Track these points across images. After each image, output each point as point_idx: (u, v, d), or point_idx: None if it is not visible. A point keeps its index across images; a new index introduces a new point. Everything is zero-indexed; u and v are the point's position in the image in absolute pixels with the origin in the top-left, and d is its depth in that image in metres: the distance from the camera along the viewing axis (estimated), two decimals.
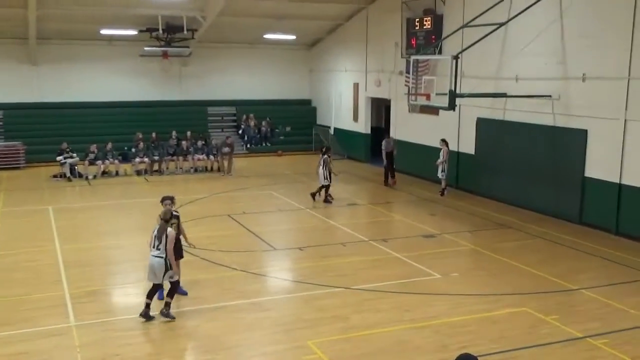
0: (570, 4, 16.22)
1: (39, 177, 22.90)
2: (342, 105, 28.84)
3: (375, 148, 26.78)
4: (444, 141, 19.98)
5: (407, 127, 23.97)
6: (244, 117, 29.70)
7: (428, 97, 17.69)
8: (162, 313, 10.15)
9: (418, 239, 15.09)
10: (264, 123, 29.57)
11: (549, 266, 12.94)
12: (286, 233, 15.72)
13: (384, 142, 22.31)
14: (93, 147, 23.51)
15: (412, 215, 17.47)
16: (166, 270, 10.13)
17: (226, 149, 23.96)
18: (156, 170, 24.12)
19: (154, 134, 25.00)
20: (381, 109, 27.84)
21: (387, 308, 10.66)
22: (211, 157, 24.75)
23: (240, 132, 29.57)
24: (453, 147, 20.80)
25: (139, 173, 23.82)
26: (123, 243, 14.74)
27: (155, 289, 10.33)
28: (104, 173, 23.40)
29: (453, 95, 16.20)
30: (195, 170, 24.54)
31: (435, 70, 19.37)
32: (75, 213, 17.78)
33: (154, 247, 10.24)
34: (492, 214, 17.69)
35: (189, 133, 25.74)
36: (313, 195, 18.94)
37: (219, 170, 24.29)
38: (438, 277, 12.29)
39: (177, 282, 10.40)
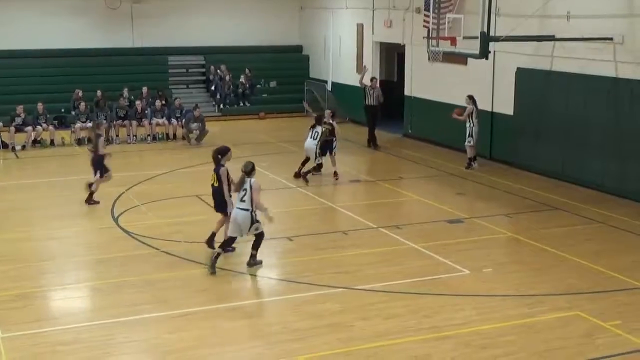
0: None
1: None
2: (342, 53, 28.76)
3: (385, 107, 26.79)
4: (470, 98, 19.91)
5: (426, 81, 23.94)
6: (215, 68, 29.57)
7: (453, 41, 17.66)
8: (248, 264, 12.25)
9: (441, 224, 15.11)
10: (241, 77, 29.47)
11: (608, 258, 12.99)
12: (275, 218, 15.70)
13: (367, 90, 22.87)
14: (20, 109, 23.40)
15: (433, 195, 17.51)
16: (252, 223, 12.04)
17: (194, 125, 23.91)
18: (107, 140, 23.99)
19: (99, 93, 24.96)
20: (393, 57, 27.75)
21: (400, 313, 10.67)
22: (173, 121, 24.70)
23: (211, 88, 29.49)
24: (486, 106, 20.81)
25: (80, 142, 23.78)
26: (61, 233, 14.74)
27: (231, 240, 12.42)
28: (35, 142, 23.36)
29: (486, 39, 16.16)
30: (154, 139, 24.57)
31: (462, 7, 19.31)
32: (2, 193, 17.76)
33: (239, 199, 12.19)
34: (536, 192, 17.75)
35: (144, 90, 25.68)
36: (305, 175, 18.70)
37: (183, 138, 24.26)
38: (466, 273, 12.32)
39: (262, 233, 12.28)
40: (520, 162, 19.93)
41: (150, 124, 24.51)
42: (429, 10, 19.95)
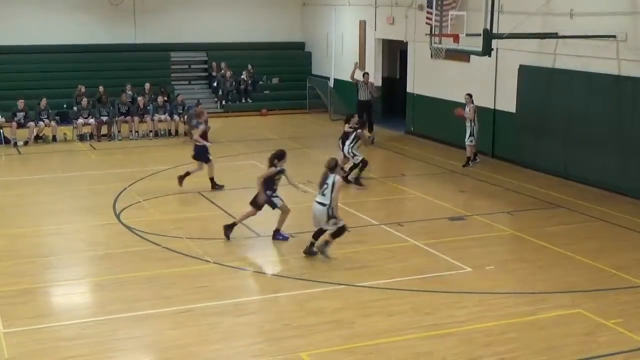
0: None
1: None
2: (344, 50, 28.73)
3: (387, 104, 26.83)
4: (470, 96, 19.93)
5: (428, 78, 23.91)
6: (218, 65, 29.56)
7: (456, 38, 17.63)
8: (320, 250, 12.62)
9: (443, 222, 15.11)
10: (243, 73, 29.46)
11: (611, 256, 12.99)
12: (273, 215, 15.70)
13: (359, 85, 23.05)
14: (22, 105, 23.39)
15: (435, 192, 17.50)
16: (329, 218, 12.42)
17: (194, 122, 23.81)
18: (105, 135, 24.09)
19: (101, 88, 24.99)
20: (395, 54, 27.73)
21: (402, 311, 10.67)
22: (175, 117, 24.70)
23: (213, 85, 29.48)
24: (488, 104, 20.82)
25: (82, 138, 23.81)
26: (63, 228, 14.76)
27: (320, 232, 12.68)
28: (37, 138, 23.37)
29: (489, 36, 16.14)
30: (156, 135, 24.54)
31: (465, 4, 19.28)
32: (0, 190, 17.76)
33: (319, 193, 12.67)
34: (538, 189, 17.74)
35: (147, 86, 25.69)
36: (356, 180, 18.08)
37: (185, 134, 24.25)
38: (468, 270, 12.31)
39: (344, 227, 12.60)
40: (523, 160, 19.91)
41: (152, 120, 24.50)
42: (431, 7, 19.89)
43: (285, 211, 13.76)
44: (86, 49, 28.38)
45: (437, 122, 23.25)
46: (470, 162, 20.04)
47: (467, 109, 19.80)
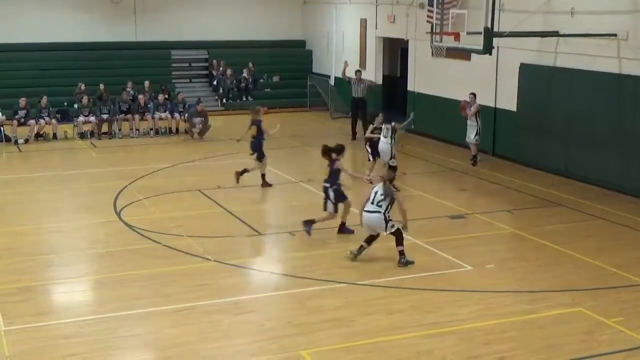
0: None
1: None
2: (345, 48, 28.72)
3: (388, 102, 26.80)
4: (474, 95, 19.91)
5: (429, 76, 23.92)
6: (218, 63, 29.56)
7: (457, 36, 17.62)
8: (400, 264, 12.30)
9: (443, 220, 15.11)
10: (244, 71, 29.46)
11: (611, 255, 12.98)
12: (274, 213, 15.75)
13: (352, 82, 23.27)
14: (23, 103, 23.42)
15: (435, 190, 17.50)
16: (386, 222, 12.32)
17: (197, 120, 23.88)
18: (105, 133, 24.11)
19: (102, 86, 25.01)
20: (396, 52, 27.72)
21: (402, 309, 10.68)
22: (176, 115, 24.69)
23: (214, 83, 29.48)
24: (489, 102, 20.82)
25: (83, 136, 23.83)
26: (64, 226, 14.78)
27: (374, 237, 12.61)
28: (38, 136, 23.39)
29: (489, 35, 16.14)
30: (156, 133, 24.55)
31: (466, 2, 19.26)
32: (1, 187, 17.76)
33: (372, 202, 12.46)
34: (539, 188, 17.73)
35: (147, 84, 25.70)
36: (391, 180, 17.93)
37: (185, 132, 24.26)
38: (469, 269, 12.32)
39: (399, 230, 12.42)
40: (523, 159, 19.90)
41: (153, 118, 24.50)
42: (432, 6, 19.85)
43: (348, 204, 13.94)
44: (87, 47, 28.40)
45: (437, 121, 23.24)
46: (477, 158, 20.03)
47: (471, 108, 19.78)
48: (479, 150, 20.16)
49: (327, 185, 13.75)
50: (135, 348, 9.71)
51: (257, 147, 17.34)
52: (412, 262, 12.37)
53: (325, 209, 13.78)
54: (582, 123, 17.93)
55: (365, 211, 12.49)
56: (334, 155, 13.84)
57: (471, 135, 19.87)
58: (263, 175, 17.55)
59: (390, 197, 12.35)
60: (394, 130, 17.49)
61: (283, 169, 19.28)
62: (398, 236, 12.39)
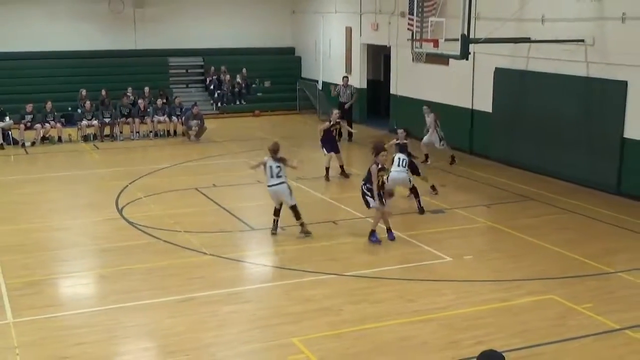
0: None
1: None
2: (332, 55, 28.74)
3: (372, 105, 26.83)
4: (429, 107, 20.31)
5: (410, 80, 23.94)
6: (213, 69, 29.51)
7: (436, 43, 17.64)
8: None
9: (425, 215, 15.14)
10: (237, 77, 29.42)
11: (580, 246, 13.02)
12: (266, 209, 15.66)
13: (339, 89, 23.71)
14: (29, 108, 23.33)
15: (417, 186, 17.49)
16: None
17: (194, 122, 23.84)
18: (107, 135, 24.03)
19: (103, 92, 24.95)
20: (379, 58, 27.74)
21: (386, 298, 10.70)
22: (174, 118, 24.65)
23: (210, 88, 29.43)
24: (466, 104, 20.87)
25: (86, 139, 23.73)
26: (69, 224, 14.73)
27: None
28: (43, 139, 23.27)
29: (466, 41, 16.15)
30: (155, 135, 24.48)
31: (444, 11, 19.29)
32: (9, 187, 17.69)
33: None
34: (513, 184, 17.76)
35: (146, 90, 25.65)
36: (433, 187, 17.02)
37: (183, 134, 24.21)
38: (448, 260, 12.34)
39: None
40: (498, 156, 19.95)
41: (152, 121, 24.44)
42: (413, 14, 19.89)
43: (382, 211, 13.33)
44: (89, 55, 28.29)
45: (418, 122, 23.19)
46: (455, 159, 20.03)
47: (428, 119, 19.89)
48: (452, 150, 20.17)
49: (362, 184, 13.55)
50: (137, 337, 9.71)
51: (329, 143, 18.26)
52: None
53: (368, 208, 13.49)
54: (553, 123, 17.98)
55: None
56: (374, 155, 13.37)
57: (437, 144, 19.85)
58: (342, 166, 18.52)
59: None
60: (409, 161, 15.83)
61: None
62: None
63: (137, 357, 9.27)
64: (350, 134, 23.06)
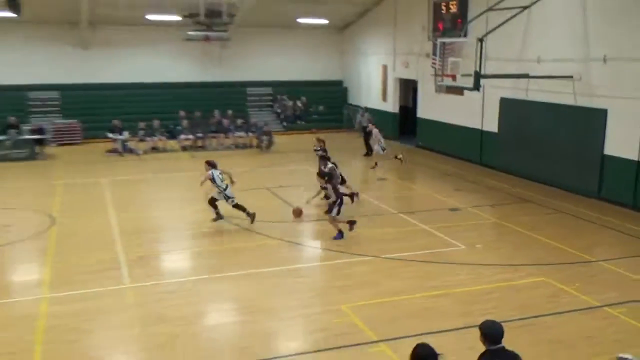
0: None
1: (95, 152, 23.18)
2: (371, 86, 28.60)
3: (402, 125, 26.64)
4: (373, 123, 20.79)
5: (433, 107, 23.69)
6: (279, 97, 29.68)
7: (454, 77, 17.41)
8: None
9: (444, 212, 14.95)
10: (298, 102, 29.49)
11: (568, 239, 12.71)
12: (320, 204, 15.64)
13: (358, 116, 23.11)
14: (142, 125, 23.76)
15: (437, 190, 17.31)
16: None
17: (265, 137, 24.05)
18: (200, 146, 24.29)
19: (197, 113, 25.25)
20: (409, 89, 27.53)
21: (413, 276, 10.59)
22: (250, 134, 24.82)
23: (277, 111, 29.58)
24: (477, 125, 20.55)
25: (184, 149, 24.01)
26: (170, 213, 14.93)
27: None
28: (152, 148, 23.65)
29: (478, 76, 15.93)
30: (236, 147, 24.62)
31: (460, 52, 19.01)
32: (127, 185, 17.98)
33: None
34: (514, 189, 17.44)
35: (229, 112, 25.87)
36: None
37: (257, 146, 24.37)
38: (462, 248, 12.17)
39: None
40: (502, 166, 19.59)
41: (234, 136, 24.65)
42: (436, 55, 19.66)
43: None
44: (186, 85, 28.62)
45: (438, 139, 23.05)
46: (377, 164, 19.83)
47: (374, 131, 20.02)
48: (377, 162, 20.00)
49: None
50: (219, 300, 9.79)
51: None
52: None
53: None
54: (546, 141, 17.60)
55: None
56: None
57: (381, 151, 19.71)
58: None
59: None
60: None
61: None
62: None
63: (220, 316, 9.35)
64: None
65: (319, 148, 17.17)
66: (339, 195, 12.86)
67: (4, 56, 25.75)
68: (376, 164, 19.95)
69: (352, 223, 12.94)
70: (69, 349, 8.12)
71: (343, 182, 15.17)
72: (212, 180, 13.44)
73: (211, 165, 13.65)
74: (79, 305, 9.37)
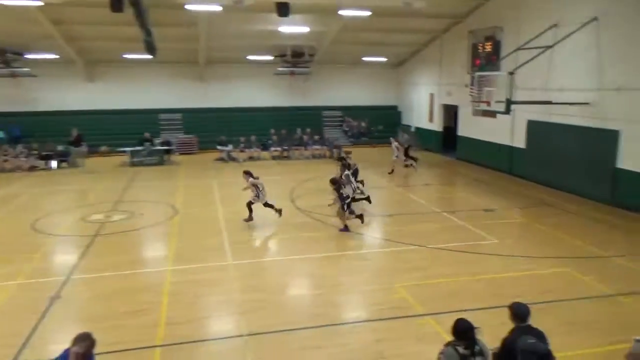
0: (607, 29, 14.90)
1: (207, 160, 23.82)
2: (421, 110, 28.12)
3: (446, 141, 26.04)
4: (396, 139, 20.90)
5: (471, 126, 23.03)
6: (347, 118, 29.66)
7: (488, 103, 16.88)
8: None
9: (480, 212, 14.48)
10: (362, 123, 29.36)
11: (586, 237, 12.06)
12: (379, 203, 15.52)
13: (400, 136, 22.89)
14: (242, 139, 24.27)
15: (473, 193, 16.81)
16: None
17: (335, 150, 24.11)
18: (285, 156, 24.57)
19: (283, 131, 25.53)
20: (451, 112, 26.86)
21: (454, 262, 10.33)
22: (324, 147, 24.90)
23: (345, 129, 29.58)
24: (508, 142, 19.80)
25: (274, 158, 24.32)
26: (262, 207, 15.04)
27: None
28: (249, 157, 24.09)
29: (509, 103, 15.37)
30: (313, 157, 24.72)
31: (494, 83, 18.42)
32: (229, 186, 18.33)
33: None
34: (539, 195, 16.68)
35: (308, 130, 26.04)
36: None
37: (329, 157, 24.41)
38: (495, 241, 11.75)
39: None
40: (529, 176, 18.77)
41: (311, 148, 24.80)
42: (473, 85, 19.11)
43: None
44: (275, 109, 28.98)
45: (475, 153, 22.39)
46: (394, 171, 19.86)
47: (394, 144, 20.28)
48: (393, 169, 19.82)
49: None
50: (299, 277, 9.84)
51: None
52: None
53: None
54: (566, 156, 16.73)
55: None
56: None
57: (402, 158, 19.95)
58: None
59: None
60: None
61: (384, 179, 19.01)
62: None
63: (300, 288, 9.40)
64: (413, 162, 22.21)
65: (349, 157, 16.51)
66: (343, 199, 12.34)
67: (142, 87, 27.01)
68: (393, 170, 19.87)
69: (361, 217, 12.64)
70: (186, 308, 8.39)
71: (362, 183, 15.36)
72: (255, 186, 13.06)
73: (248, 174, 13.21)
74: (194, 276, 9.66)
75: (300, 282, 9.64)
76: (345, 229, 12.33)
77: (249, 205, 13.19)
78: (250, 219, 13.10)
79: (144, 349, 7.17)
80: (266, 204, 13.37)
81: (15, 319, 8.03)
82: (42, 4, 16.46)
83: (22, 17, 18.92)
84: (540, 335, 4.99)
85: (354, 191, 13.87)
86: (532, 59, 15.73)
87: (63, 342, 5.03)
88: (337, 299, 8.75)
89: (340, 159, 16.31)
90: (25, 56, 23.23)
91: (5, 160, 21.75)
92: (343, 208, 12.35)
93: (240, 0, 15.42)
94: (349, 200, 12.58)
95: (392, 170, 19.96)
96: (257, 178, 13.34)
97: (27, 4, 16.16)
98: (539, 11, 17.85)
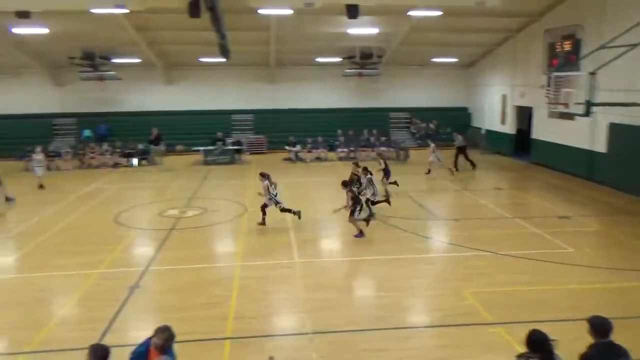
0: None
1: (275, 159, 24.31)
2: (493, 112, 27.19)
3: (519, 144, 25.05)
4: (434, 142, 20.13)
5: (546, 129, 21.98)
6: (414, 120, 29.23)
7: (566, 105, 16.04)
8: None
9: (554, 218, 13.83)
10: (431, 124, 28.83)
11: None
12: (446, 207, 15.24)
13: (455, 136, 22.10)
14: (309, 140, 24.61)
15: (547, 199, 16.07)
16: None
17: (402, 152, 23.92)
18: (352, 158, 24.54)
19: (350, 132, 25.57)
20: (524, 114, 25.79)
21: (526, 271, 9.96)
22: (391, 148, 24.72)
23: (412, 131, 29.18)
24: (585, 146, 18.73)
25: (340, 159, 24.42)
26: (327, 207, 15.08)
27: None
28: (316, 158, 24.36)
29: (589, 104, 14.53)
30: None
31: (572, 84, 17.48)
32: (298, 185, 18.55)
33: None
34: (619, 202, 15.68)
35: (374, 131, 25.95)
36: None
37: (396, 158, 24.20)
38: (570, 250, 11.19)
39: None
40: (610, 182, 17.66)
41: (378, 148, 24.70)
42: (549, 87, 18.22)
43: None
44: (344, 111, 29.00)
45: (550, 157, 21.36)
46: (430, 172, 19.47)
47: (431, 146, 19.86)
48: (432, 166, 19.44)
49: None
50: (363, 278, 9.86)
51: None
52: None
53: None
54: None
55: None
56: None
57: (437, 161, 19.49)
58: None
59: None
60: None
61: (453, 182, 18.59)
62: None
63: (364, 289, 9.45)
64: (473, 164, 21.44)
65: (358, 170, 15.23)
66: (355, 203, 11.93)
67: (216, 89, 28.06)
68: (429, 171, 19.48)
69: (367, 221, 12.28)
70: (254, 303, 8.69)
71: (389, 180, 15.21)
72: (267, 189, 12.69)
73: (264, 176, 12.82)
74: (262, 272, 9.95)
75: (365, 284, 9.67)
76: (360, 234, 11.90)
77: (263, 208, 12.84)
78: (263, 222, 12.72)
79: (215, 340, 7.51)
80: (283, 209, 12.87)
81: (98, 305, 8.66)
82: (127, 11, 17.57)
83: (110, 24, 20.32)
84: (624, 354, 4.70)
85: (374, 195, 13.44)
86: (616, 58, 14.77)
87: (143, 330, 5.39)
88: (403, 302, 8.71)
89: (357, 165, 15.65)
90: (112, 60, 24.88)
91: (92, 158, 23.46)
92: (352, 213, 11.92)
93: (312, 2, 15.64)
94: (360, 205, 12.05)
95: (429, 171, 19.61)
96: (272, 182, 12.83)
97: (114, 12, 17.30)
98: (624, 8, 16.75)
